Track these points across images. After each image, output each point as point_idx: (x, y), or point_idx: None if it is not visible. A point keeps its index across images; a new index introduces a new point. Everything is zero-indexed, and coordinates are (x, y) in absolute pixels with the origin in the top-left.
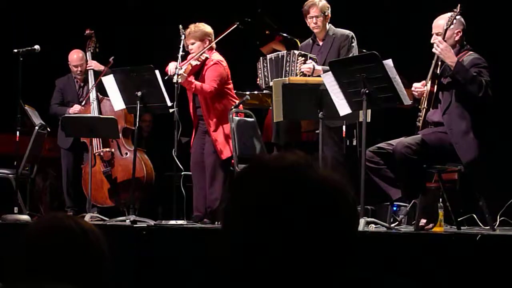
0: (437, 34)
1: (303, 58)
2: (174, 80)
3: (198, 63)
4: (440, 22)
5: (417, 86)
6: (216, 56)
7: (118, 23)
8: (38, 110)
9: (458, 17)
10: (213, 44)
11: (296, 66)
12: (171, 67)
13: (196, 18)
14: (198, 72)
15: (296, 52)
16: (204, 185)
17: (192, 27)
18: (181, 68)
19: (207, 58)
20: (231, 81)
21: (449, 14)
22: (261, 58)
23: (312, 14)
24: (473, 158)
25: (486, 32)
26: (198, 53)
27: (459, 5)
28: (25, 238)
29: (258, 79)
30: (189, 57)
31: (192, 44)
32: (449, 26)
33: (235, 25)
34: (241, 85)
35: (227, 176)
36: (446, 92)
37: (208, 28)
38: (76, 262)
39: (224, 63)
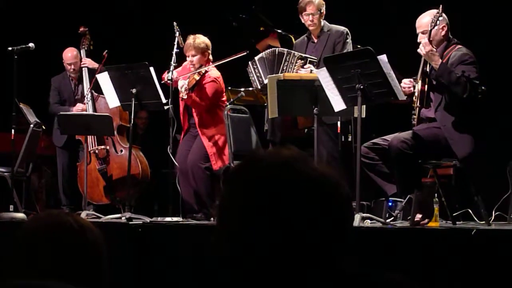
0: (422, 33)
1: (302, 61)
2: (169, 78)
3: (198, 78)
4: (423, 20)
5: (406, 82)
6: (213, 71)
7: (113, 21)
8: (33, 108)
9: (441, 18)
10: (211, 57)
11: (294, 69)
12: (180, 84)
13: (192, 15)
14: (195, 83)
15: (297, 54)
16: (190, 181)
17: (192, 38)
18: (185, 83)
19: (206, 71)
20: (224, 94)
21: (432, 11)
22: (249, 62)
23: (309, 12)
24: (468, 153)
25: (485, 31)
26: (198, 68)
27: (441, 5)
28: (22, 235)
29: (252, 83)
30: (184, 64)
31: (194, 56)
32: (434, 27)
33: (244, 53)
34: (236, 82)
35: (208, 174)
36: (437, 89)
37: (208, 41)
38: (75, 259)
39: (220, 78)
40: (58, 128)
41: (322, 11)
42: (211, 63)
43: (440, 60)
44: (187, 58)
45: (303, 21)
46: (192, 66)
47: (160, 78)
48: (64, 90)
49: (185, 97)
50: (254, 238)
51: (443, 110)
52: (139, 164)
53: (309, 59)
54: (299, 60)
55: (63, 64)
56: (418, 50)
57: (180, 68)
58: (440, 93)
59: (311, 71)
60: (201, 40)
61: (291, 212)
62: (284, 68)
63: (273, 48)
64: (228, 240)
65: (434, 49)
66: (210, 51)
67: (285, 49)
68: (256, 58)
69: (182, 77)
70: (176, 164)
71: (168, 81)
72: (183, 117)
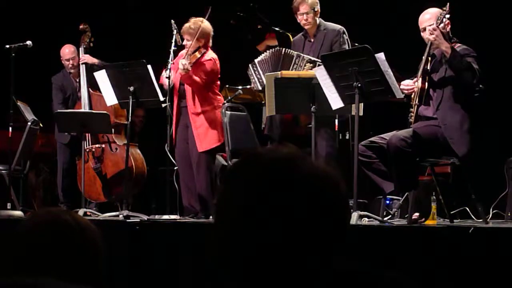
0: (423, 30)
1: (311, 65)
2: (167, 76)
3: (199, 56)
4: (426, 16)
5: (406, 84)
6: (211, 53)
7: (110, 19)
8: (30, 105)
9: (448, 16)
10: (210, 43)
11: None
12: (181, 63)
13: (189, 12)
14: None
15: (306, 57)
16: (191, 177)
17: (192, 22)
18: (185, 59)
19: (204, 53)
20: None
21: (435, 9)
22: (249, 65)
23: (302, 11)
24: (468, 152)
25: (485, 30)
26: (196, 48)
27: (448, 4)
28: (21, 233)
29: (252, 85)
30: (181, 53)
31: (188, 40)
32: (439, 25)
33: (209, 9)
34: (234, 80)
35: (212, 167)
36: (437, 88)
37: (207, 28)
38: (73, 257)
39: (218, 61)
40: None
41: (316, 9)
42: (210, 49)
43: (450, 45)
44: (183, 42)
45: (298, 21)
46: (189, 50)
47: (158, 78)
48: (67, 87)
49: (190, 68)
50: (254, 237)
51: (444, 109)
52: (133, 161)
53: (317, 63)
54: (308, 64)
55: (61, 61)
56: (427, 36)
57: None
58: (441, 92)
59: None
60: (199, 25)
61: (291, 211)
62: (294, 70)
63: (277, 48)
64: (227, 239)
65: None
66: (207, 39)
67: (294, 52)
68: (256, 60)
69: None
70: (174, 162)
71: (166, 78)
72: (177, 102)
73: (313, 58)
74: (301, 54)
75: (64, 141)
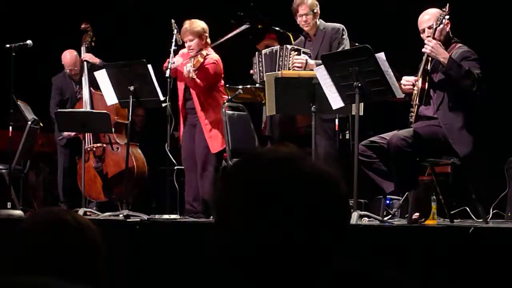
0: (428, 28)
1: (296, 52)
2: (167, 75)
3: (202, 60)
4: (426, 17)
5: (407, 80)
6: (213, 54)
7: (111, 18)
8: (30, 105)
9: (447, 16)
10: (208, 40)
11: (289, 61)
12: (186, 69)
13: (189, 11)
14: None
15: (289, 46)
16: (196, 177)
17: (188, 23)
18: (189, 62)
19: (207, 54)
20: (223, 79)
21: (434, 10)
22: (256, 53)
23: (302, 12)
24: (469, 152)
25: (485, 30)
26: (198, 50)
27: (447, 5)
28: (21, 232)
29: (253, 74)
30: (182, 51)
31: (191, 40)
32: (439, 26)
33: (246, 26)
34: (234, 79)
35: (218, 168)
36: (438, 88)
37: (204, 25)
38: (73, 257)
39: (220, 61)
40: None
41: (315, 11)
42: (209, 46)
43: (448, 54)
44: (185, 44)
45: (298, 22)
46: (191, 51)
47: (157, 76)
48: (66, 89)
49: (195, 76)
50: (254, 238)
51: (445, 109)
52: (134, 161)
53: (302, 50)
54: (293, 52)
55: (62, 65)
56: (423, 50)
57: (178, 56)
58: (442, 92)
59: (307, 60)
60: (197, 24)
61: (291, 211)
62: (280, 63)
63: (269, 48)
64: (227, 239)
65: (439, 43)
66: (207, 35)
67: (277, 46)
68: (263, 52)
69: (185, 61)
70: (175, 162)
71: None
72: (182, 103)
73: (296, 46)
74: (284, 45)
75: (61, 144)
